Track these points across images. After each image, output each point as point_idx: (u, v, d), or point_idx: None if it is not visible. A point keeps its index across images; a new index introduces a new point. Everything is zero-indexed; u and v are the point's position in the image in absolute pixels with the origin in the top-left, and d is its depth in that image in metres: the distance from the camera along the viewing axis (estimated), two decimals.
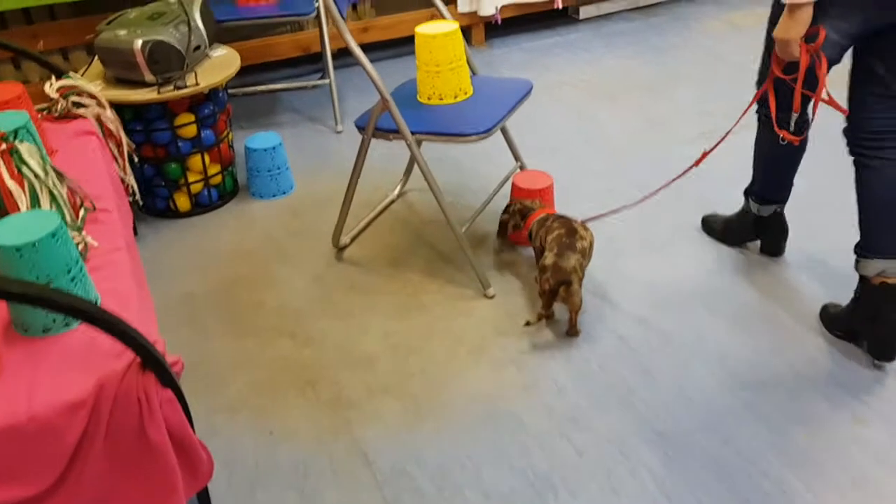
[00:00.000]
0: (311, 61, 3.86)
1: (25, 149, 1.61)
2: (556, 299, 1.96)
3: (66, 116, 2.23)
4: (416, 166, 2.75)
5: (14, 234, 1.37)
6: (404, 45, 3.96)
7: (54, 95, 2.21)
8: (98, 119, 2.25)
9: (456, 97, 2.19)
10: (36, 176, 1.59)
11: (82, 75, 2.50)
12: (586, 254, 2.04)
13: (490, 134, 2.05)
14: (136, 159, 2.45)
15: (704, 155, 2.12)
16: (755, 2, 4.32)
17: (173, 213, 2.63)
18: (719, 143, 2.12)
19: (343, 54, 3.80)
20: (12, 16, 3.08)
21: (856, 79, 1.83)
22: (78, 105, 2.23)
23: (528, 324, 2.02)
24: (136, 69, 2.35)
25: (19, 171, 1.58)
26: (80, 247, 1.63)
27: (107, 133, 2.27)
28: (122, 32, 2.34)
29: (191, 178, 2.58)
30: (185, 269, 2.37)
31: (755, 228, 2.29)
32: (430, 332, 2.07)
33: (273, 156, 2.66)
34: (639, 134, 3.01)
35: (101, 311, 1.21)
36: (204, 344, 2.07)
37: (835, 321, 1.99)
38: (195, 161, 2.56)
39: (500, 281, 2.24)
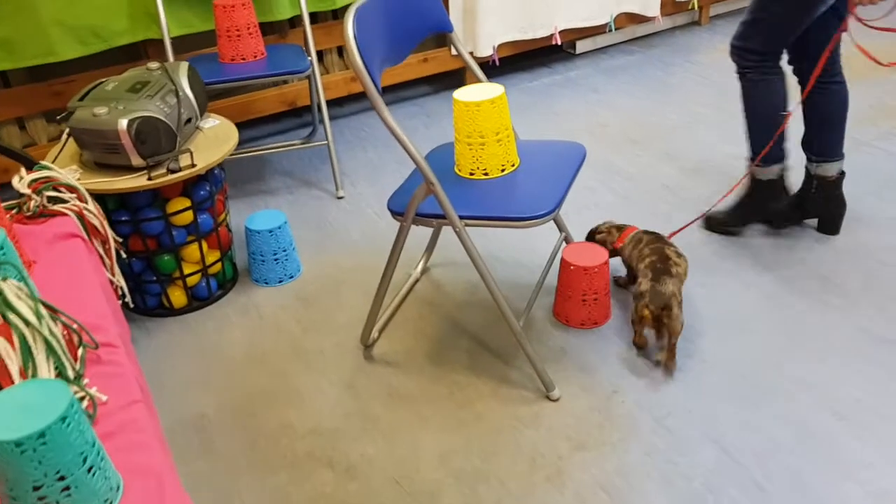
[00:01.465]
0: (296, 115, 3.53)
1: (11, 288, 1.27)
2: (655, 325, 1.93)
3: (42, 214, 1.87)
4: (438, 240, 2.45)
5: (10, 421, 1.03)
6: (397, 90, 3.67)
7: (26, 191, 1.86)
8: (80, 214, 1.89)
9: (503, 170, 1.90)
10: (27, 323, 1.25)
11: (55, 161, 2.14)
12: (682, 279, 2.00)
13: (553, 216, 1.76)
14: (123, 255, 2.10)
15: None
16: None
17: (167, 311, 2.27)
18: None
19: (328, 106, 3.49)
20: None
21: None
22: (55, 200, 1.88)
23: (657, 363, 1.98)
24: (122, 152, 2.01)
25: (4, 318, 1.24)
26: (85, 403, 1.29)
27: (90, 230, 1.92)
28: (102, 110, 2.00)
29: (186, 270, 2.23)
30: (191, 381, 2.03)
31: (815, 197, 2.37)
32: (494, 451, 1.76)
33: (278, 237, 2.33)
34: (675, 184, 2.76)
35: None
36: (227, 482, 1.73)
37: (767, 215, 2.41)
38: (191, 251, 2.21)
39: (559, 377, 1.95)
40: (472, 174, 1.90)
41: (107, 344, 1.46)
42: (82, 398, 1.30)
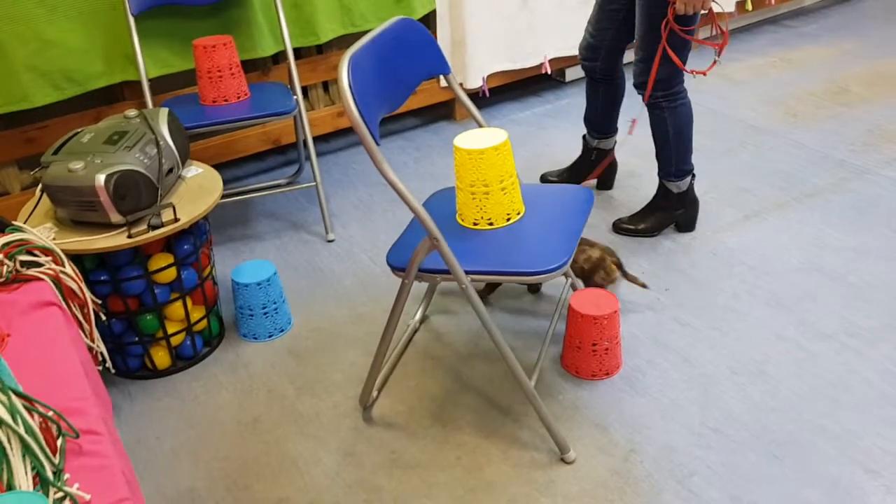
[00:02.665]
0: (279, 152, 3.42)
1: None
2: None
3: (16, 280, 1.74)
4: (437, 290, 2.34)
5: None
6: (384, 123, 3.56)
7: None
8: (56, 279, 1.76)
9: (508, 219, 1.79)
10: (0, 423, 1.12)
11: (28, 219, 2.01)
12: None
13: (564, 270, 1.66)
14: (102, 318, 1.96)
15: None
16: (746, 51, 4.07)
17: (151, 372, 2.14)
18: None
19: (314, 142, 3.37)
20: None
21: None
22: (29, 265, 1.75)
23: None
24: (100, 209, 1.88)
25: None
26: None
27: (67, 294, 1.78)
28: (78, 165, 1.87)
29: (170, 329, 2.10)
30: (178, 451, 1.89)
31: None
32: None
33: (267, 290, 2.20)
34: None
35: None
36: None
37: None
38: (175, 309, 2.08)
39: (573, 435, 1.83)
40: (475, 224, 1.79)
41: (89, 431, 1.33)
42: (62, 498, 1.17)
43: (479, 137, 1.75)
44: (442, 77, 1.92)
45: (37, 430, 1.19)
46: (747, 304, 2.22)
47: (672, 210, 2.57)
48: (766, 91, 3.60)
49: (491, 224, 1.78)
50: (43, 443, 1.20)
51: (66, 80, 2.57)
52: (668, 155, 2.50)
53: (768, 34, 4.30)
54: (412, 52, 1.81)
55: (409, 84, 1.79)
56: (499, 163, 1.72)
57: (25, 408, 1.21)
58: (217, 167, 3.21)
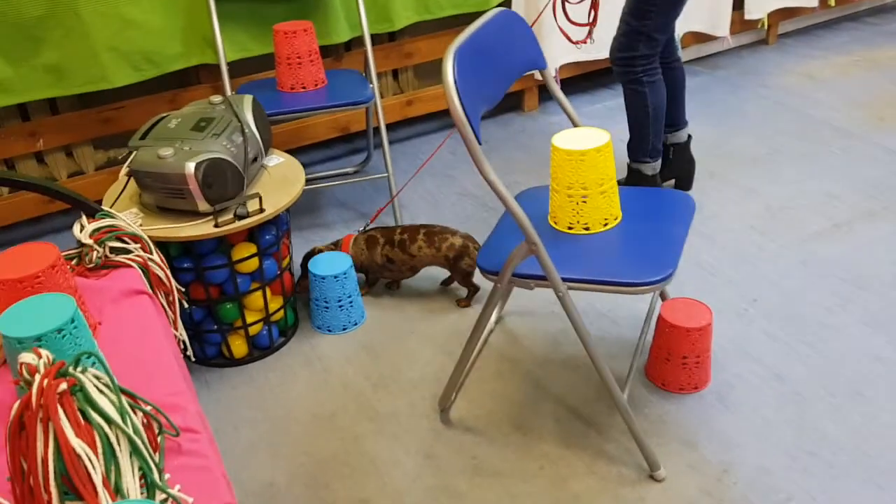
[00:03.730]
0: (346, 140, 3.38)
1: (91, 380, 1.11)
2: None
3: (105, 266, 1.72)
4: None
5: None
6: (445, 116, 3.51)
7: (88, 242, 1.71)
8: (144, 266, 1.74)
9: (605, 225, 1.73)
10: (110, 422, 1.09)
11: (115, 203, 1.99)
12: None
13: (669, 282, 1.59)
14: (186, 305, 1.94)
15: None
16: (827, 48, 3.93)
17: (227, 361, 2.12)
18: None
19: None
20: (6, 113, 2.56)
21: None
22: (118, 251, 1.73)
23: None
24: (188, 197, 1.85)
25: (85, 418, 1.08)
26: None
27: (154, 282, 1.77)
28: (167, 152, 1.84)
29: (249, 319, 2.08)
30: (256, 443, 1.87)
31: (673, 161, 2.72)
32: None
33: (343, 283, 2.17)
34: (765, 226, 2.57)
35: None
36: None
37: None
38: (254, 299, 2.06)
39: (662, 451, 1.77)
40: (570, 228, 1.73)
41: (187, 429, 1.30)
42: (165, 500, 1.15)
43: (578, 137, 1.68)
44: (536, 72, 1.86)
45: (142, 429, 1.16)
46: (841, 320, 2.13)
47: None
48: (849, 91, 3.47)
49: (587, 229, 1.72)
50: (147, 442, 1.17)
51: (146, 62, 2.55)
52: (646, 132, 2.50)
53: (849, 31, 4.15)
54: (513, 45, 1.75)
55: (508, 78, 1.73)
56: (600, 165, 1.66)
57: (129, 405, 1.18)
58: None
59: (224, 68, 2.55)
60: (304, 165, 3.16)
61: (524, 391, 1.98)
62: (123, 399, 1.15)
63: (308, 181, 3.00)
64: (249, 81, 2.73)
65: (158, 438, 1.24)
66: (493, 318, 2.22)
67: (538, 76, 3.33)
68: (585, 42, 2.49)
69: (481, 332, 1.76)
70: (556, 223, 1.75)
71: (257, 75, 2.89)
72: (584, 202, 1.69)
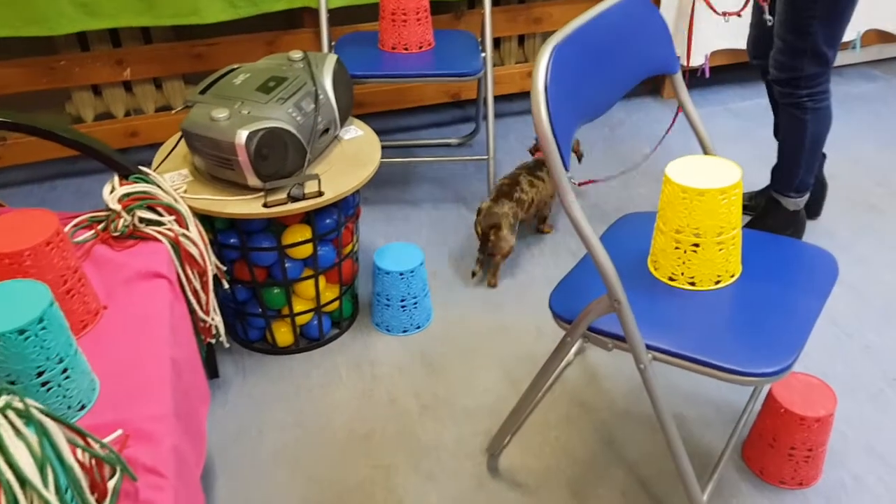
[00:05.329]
0: (457, 105, 3.08)
1: (9, 421, 0.90)
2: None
3: (132, 235, 1.53)
4: None
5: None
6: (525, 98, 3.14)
7: (116, 207, 1.51)
8: (175, 242, 1.54)
9: (718, 282, 1.38)
10: (23, 482, 0.88)
11: (164, 160, 1.80)
12: (524, 206, 2.10)
13: (789, 373, 1.24)
14: (225, 285, 1.74)
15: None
16: None
17: (270, 348, 1.92)
18: None
19: (498, 101, 3.00)
20: (95, 36, 2.41)
21: None
22: (148, 222, 1.53)
23: (473, 274, 2.13)
24: (237, 169, 1.63)
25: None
26: None
27: (186, 259, 1.56)
28: (222, 114, 1.61)
29: (297, 307, 1.86)
30: (278, 455, 1.66)
31: None
32: None
33: (410, 282, 1.91)
34: None
35: None
36: None
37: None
38: (306, 287, 1.84)
39: None
40: (672, 279, 1.39)
41: (152, 470, 1.09)
42: None
43: (701, 169, 1.33)
44: (676, 93, 1.50)
45: (79, 478, 0.95)
46: None
47: (780, 231, 2.15)
48: None
49: (693, 284, 1.37)
50: (87, 495, 0.96)
51: None
52: (797, 165, 2.12)
53: None
54: (637, 41, 1.40)
55: (622, 86, 1.39)
56: (722, 210, 1.31)
57: (73, 444, 0.97)
58: (388, 115, 2.93)
59: (324, 15, 2.30)
60: (409, 128, 2.91)
61: (592, 448, 1.68)
62: (62, 439, 0.93)
63: (406, 150, 2.74)
64: (355, 32, 2.47)
65: (111, 482, 1.03)
66: (573, 351, 1.91)
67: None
68: (739, 15, 2.07)
69: (543, 385, 1.47)
70: (655, 269, 1.42)
71: (365, 25, 2.62)
72: (695, 251, 1.34)
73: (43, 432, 0.91)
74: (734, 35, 2.94)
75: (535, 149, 2.29)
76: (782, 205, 2.17)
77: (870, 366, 1.86)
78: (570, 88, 1.20)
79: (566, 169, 1.18)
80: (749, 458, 1.64)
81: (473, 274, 2.13)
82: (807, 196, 2.18)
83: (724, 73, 3.21)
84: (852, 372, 1.85)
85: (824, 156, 2.25)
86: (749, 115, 2.98)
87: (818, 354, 1.89)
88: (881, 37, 3.20)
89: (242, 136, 1.58)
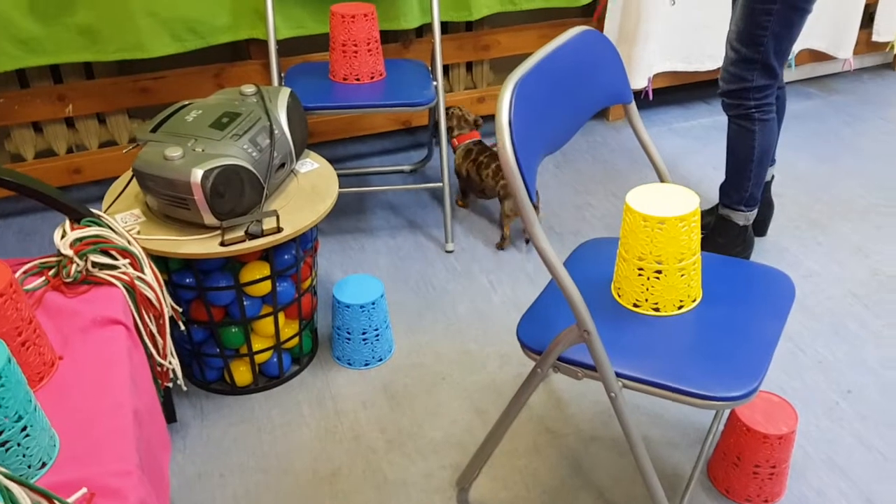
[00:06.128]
0: (408, 131, 3.09)
1: None
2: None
3: (85, 281, 1.48)
4: None
5: None
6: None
7: (67, 252, 1.47)
8: (130, 286, 1.50)
9: (680, 307, 1.40)
10: None
11: (115, 200, 1.75)
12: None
13: (754, 397, 1.26)
14: (181, 327, 1.70)
15: None
16: None
17: (228, 388, 1.88)
18: None
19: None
20: (37, 73, 2.35)
21: None
22: (102, 266, 1.48)
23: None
24: (193, 209, 1.60)
25: None
26: None
27: (141, 302, 1.52)
28: (175, 153, 1.58)
29: (256, 346, 1.83)
30: (245, 497, 1.62)
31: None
32: None
33: (371, 315, 1.89)
34: (870, 297, 2.18)
35: None
36: None
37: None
38: (264, 325, 1.80)
39: None
40: (636, 306, 1.40)
41: None
42: None
43: (660, 197, 1.35)
44: (628, 119, 1.53)
45: None
46: None
47: (730, 249, 2.23)
48: None
49: (657, 310, 1.39)
50: None
51: (188, 31, 2.30)
52: (746, 179, 2.15)
53: None
54: (593, 75, 1.42)
55: (582, 115, 1.41)
56: (682, 237, 1.33)
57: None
58: (339, 143, 2.92)
59: (273, 47, 2.28)
60: (359, 156, 2.90)
61: (561, 474, 1.68)
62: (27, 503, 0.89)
63: (359, 178, 2.73)
64: (304, 62, 2.46)
65: None
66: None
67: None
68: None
69: (512, 419, 1.46)
70: (619, 295, 1.43)
71: (314, 56, 2.61)
72: (658, 278, 1.36)
73: (9, 497, 0.87)
74: (678, 58, 3.01)
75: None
76: (732, 220, 2.22)
77: (824, 380, 1.91)
78: (533, 121, 1.21)
79: (532, 200, 1.18)
80: (715, 477, 1.66)
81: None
82: (755, 211, 2.22)
83: (666, 94, 3.28)
84: (807, 384, 1.89)
85: (772, 176, 2.31)
86: (692, 135, 3.05)
87: (773, 371, 1.93)
88: (814, 56, 3.31)
89: (198, 175, 1.55)
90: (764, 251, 2.37)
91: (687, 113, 3.21)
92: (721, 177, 2.74)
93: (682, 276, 1.36)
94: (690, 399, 1.24)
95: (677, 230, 1.32)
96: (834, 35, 3.19)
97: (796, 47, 3.22)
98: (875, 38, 3.33)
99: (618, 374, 1.29)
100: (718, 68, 3.07)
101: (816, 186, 2.70)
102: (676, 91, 3.31)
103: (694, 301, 1.42)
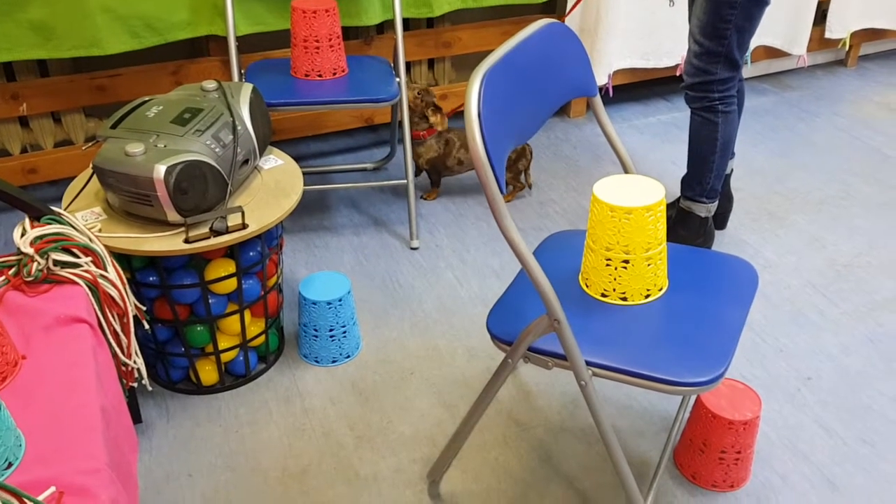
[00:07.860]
0: (370, 129, 3.08)
1: None
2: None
3: (46, 280, 1.45)
4: None
5: None
6: None
7: (28, 251, 1.43)
8: (93, 284, 1.47)
9: (647, 296, 1.42)
10: None
11: (76, 198, 1.72)
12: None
13: (720, 383, 1.28)
14: (146, 326, 1.67)
15: None
16: None
17: (194, 388, 1.85)
18: None
19: None
20: None
21: None
22: (63, 265, 1.46)
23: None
24: (156, 205, 1.57)
25: None
26: None
27: (105, 301, 1.49)
28: (137, 149, 1.56)
29: (222, 344, 1.80)
30: (214, 497, 1.60)
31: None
32: None
33: (338, 311, 1.89)
34: (828, 286, 2.24)
35: None
36: None
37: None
38: (230, 322, 1.78)
39: None
40: (604, 296, 1.42)
41: None
42: None
43: (626, 188, 1.37)
44: (595, 116, 1.54)
45: None
46: None
47: (691, 241, 2.27)
48: None
49: (624, 300, 1.41)
50: None
51: (146, 28, 2.27)
52: (708, 170, 2.19)
53: None
54: (559, 67, 1.43)
55: (547, 109, 1.42)
56: (649, 227, 1.35)
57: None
58: (301, 140, 2.90)
59: (232, 44, 2.25)
60: (322, 154, 2.88)
61: (531, 466, 1.69)
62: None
63: (321, 175, 2.72)
64: (265, 59, 2.43)
65: None
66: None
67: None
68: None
69: (483, 411, 1.47)
70: (587, 286, 1.44)
71: (274, 52, 2.59)
72: (625, 268, 1.38)
73: None
74: (637, 55, 3.04)
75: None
76: (693, 213, 2.25)
77: (785, 367, 1.95)
78: (501, 113, 1.21)
79: (502, 192, 1.19)
80: (681, 464, 1.68)
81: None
82: (716, 203, 2.26)
83: (625, 91, 3.32)
84: (769, 371, 1.93)
85: (731, 170, 2.36)
86: (651, 131, 3.09)
87: (737, 360, 1.97)
88: (769, 52, 3.38)
89: (160, 170, 1.53)
90: (724, 243, 2.41)
91: (646, 109, 3.25)
92: (681, 171, 2.78)
93: (649, 265, 1.38)
94: (659, 385, 1.26)
95: (644, 220, 1.34)
96: (788, 32, 3.26)
97: (752, 44, 3.28)
98: (828, 35, 3.41)
99: (588, 363, 1.30)
100: (677, 65, 3.13)
101: (774, 180, 2.76)
102: (636, 88, 3.35)
103: (660, 290, 1.44)
